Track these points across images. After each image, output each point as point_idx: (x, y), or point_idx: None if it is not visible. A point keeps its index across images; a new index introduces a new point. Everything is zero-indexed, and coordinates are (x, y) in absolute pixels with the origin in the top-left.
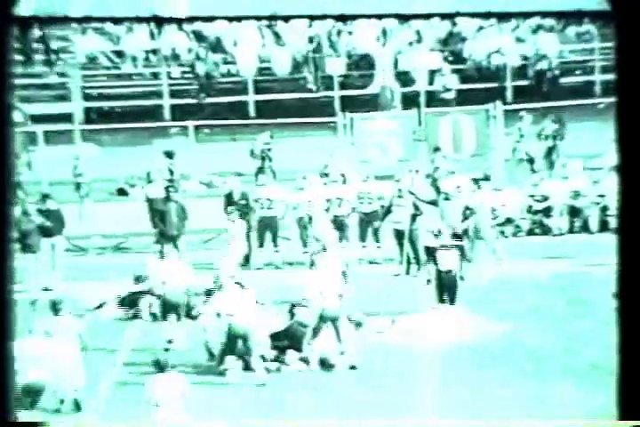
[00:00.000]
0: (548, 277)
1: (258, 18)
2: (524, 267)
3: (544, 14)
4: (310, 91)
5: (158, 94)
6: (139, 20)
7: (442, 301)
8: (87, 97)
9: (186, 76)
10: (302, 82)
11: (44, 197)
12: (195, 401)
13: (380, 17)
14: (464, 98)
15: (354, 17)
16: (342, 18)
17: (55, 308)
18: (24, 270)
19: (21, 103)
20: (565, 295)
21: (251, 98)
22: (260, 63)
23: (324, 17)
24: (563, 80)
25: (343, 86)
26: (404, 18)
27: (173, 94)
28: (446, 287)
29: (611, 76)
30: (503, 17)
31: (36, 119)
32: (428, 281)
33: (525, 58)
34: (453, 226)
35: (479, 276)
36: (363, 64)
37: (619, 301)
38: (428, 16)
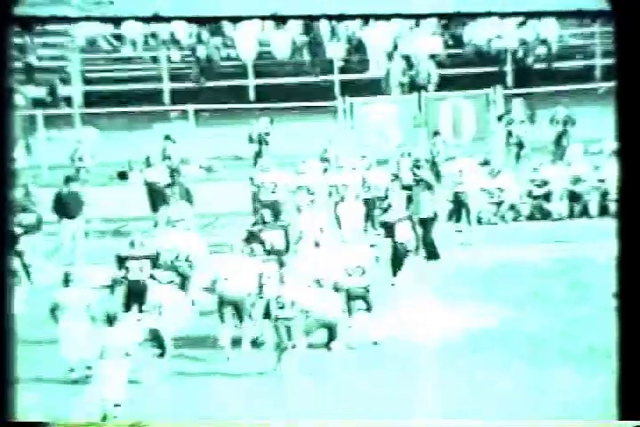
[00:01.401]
0: (548, 262)
1: (261, 18)
2: (524, 251)
3: (544, 14)
4: (310, 75)
5: (158, 78)
6: (138, 19)
7: (395, 273)
8: (87, 81)
9: (186, 59)
10: (302, 66)
11: (68, 179)
12: (194, 388)
13: (378, 16)
14: (464, 82)
15: (353, 17)
16: (342, 17)
17: (66, 280)
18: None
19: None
20: (565, 280)
21: (250, 82)
22: (260, 47)
23: (323, 17)
24: (563, 64)
25: (343, 71)
26: (403, 17)
27: (173, 78)
28: (397, 259)
29: (611, 61)
30: (503, 16)
31: (36, 103)
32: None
33: (525, 42)
34: (426, 211)
35: (478, 260)
36: (362, 49)
37: (619, 289)
38: (427, 16)
